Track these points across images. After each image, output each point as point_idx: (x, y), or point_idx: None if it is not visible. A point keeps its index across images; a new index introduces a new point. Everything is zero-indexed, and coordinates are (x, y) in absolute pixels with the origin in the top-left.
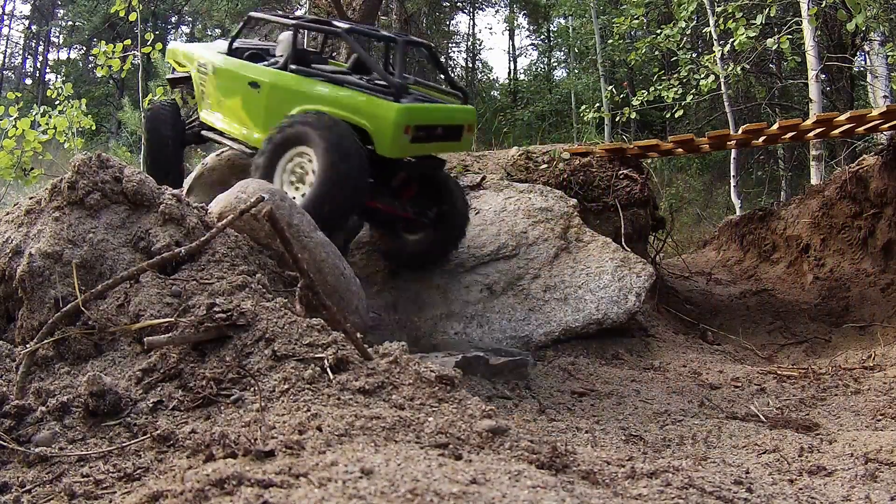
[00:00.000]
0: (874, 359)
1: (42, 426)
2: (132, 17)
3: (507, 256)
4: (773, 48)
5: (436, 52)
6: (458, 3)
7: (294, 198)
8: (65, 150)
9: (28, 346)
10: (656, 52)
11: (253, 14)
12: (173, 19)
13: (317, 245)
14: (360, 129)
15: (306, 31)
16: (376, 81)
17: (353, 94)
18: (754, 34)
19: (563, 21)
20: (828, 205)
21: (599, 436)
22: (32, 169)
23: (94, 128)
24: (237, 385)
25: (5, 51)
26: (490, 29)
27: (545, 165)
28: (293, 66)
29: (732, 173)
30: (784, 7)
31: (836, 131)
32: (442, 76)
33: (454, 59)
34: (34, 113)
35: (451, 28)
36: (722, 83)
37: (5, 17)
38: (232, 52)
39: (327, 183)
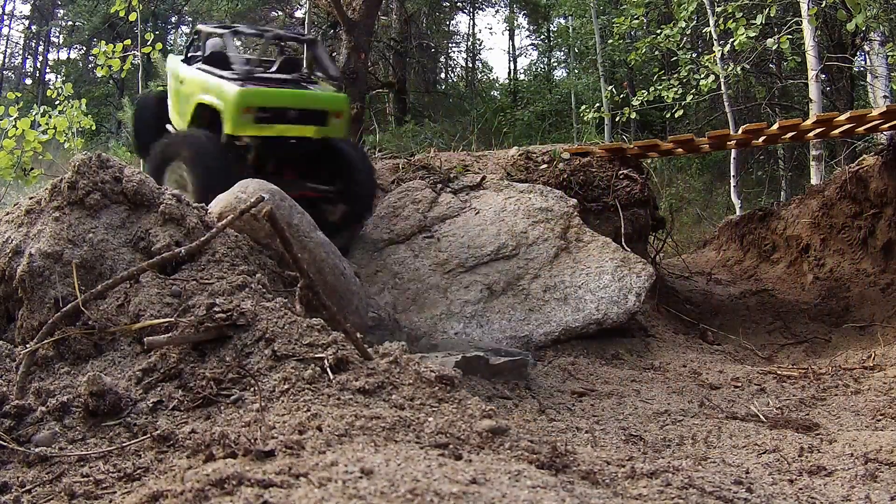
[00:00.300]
0: (874, 359)
1: (42, 426)
2: (132, 17)
3: (507, 256)
4: (773, 48)
5: (312, 45)
6: (458, 3)
7: None
8: (65, 150)
9: (28, 346)
10: (656, 52)
11: (200, 27)
12: (173, 19)
13: (317, 245)
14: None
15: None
16: (263, 74)
17: (220, 83)
18: (754, 34)
19: (563, 21)
20: (828, 205)
21: (599, 436)
22: (32, 169)
23: (94, 128)
24: (237, 385)
25: (5, 51)
26: (490, 29)
27: (545, 165)
28: (201, 66)
29: (732, 173)
30: (784, 7)
31: (836, 131)
32: (316, 66)
33: (454, 59)
34: (34, 113)
35: (451, 28)
36: (722, 83)
37: (5, 17)
38: (185, 60)
39: (199, 188)
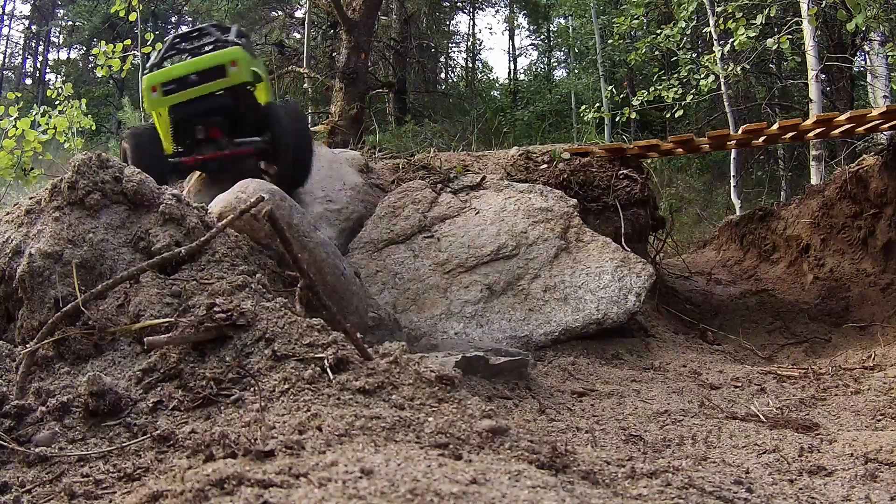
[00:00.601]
0: (874, 359)
1: (42, 426)
2: (132, 17)
3: (507, 256)
4: (773, 48)
5: (213, 28)
6: (458, 3)
7: None
8: (65, 150)
9: (28, 346)
10: (656, 52)
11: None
12: (173, 19)
13: (317, 245)
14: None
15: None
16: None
17: None
18: (754, 34)
19: (563, 21)
20: (828, 205)
21: (599, 436)
22: (32, 169)
23: (94, 128)
24: (237, 385)
25: (5, 51)
26: (490, 29)
27: (545, 165)
28: (155, 64)
29: (732, 173)
30: (784, 7)
31: (836, 131)
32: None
33: (454, 59)
34: (34, 113)
35: (451, 28)
36: (722, 83)
37: (5, 17)
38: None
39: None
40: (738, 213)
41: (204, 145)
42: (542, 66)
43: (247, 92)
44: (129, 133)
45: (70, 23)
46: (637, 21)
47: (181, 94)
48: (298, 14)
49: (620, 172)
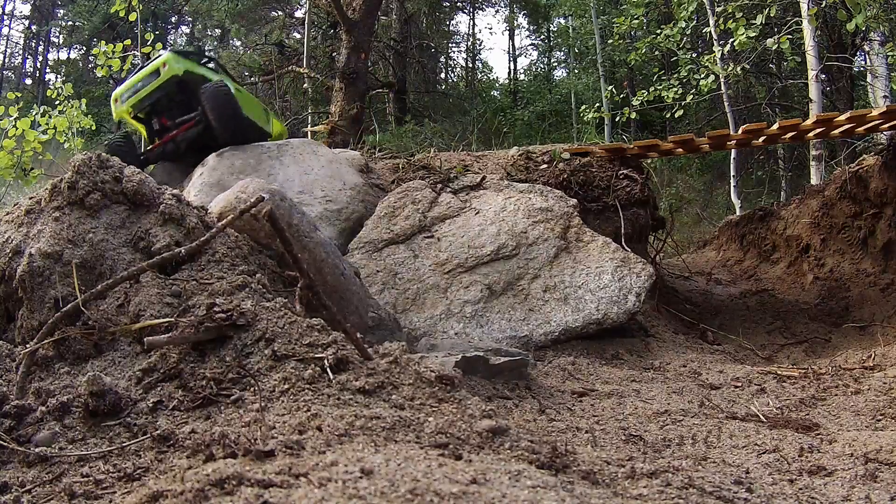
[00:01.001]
0: (874, 359)
1: (42, 426)
2: (132, 17)
3: (507, 256)
4: (773, 48)
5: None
6: (458, 3)
7: None
8: (65, 150)
9: (28, 346)
10: (656, 52)
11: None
12: (173, 19)
13: (317, 245)
14: None
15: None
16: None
17: None
18: (754, 34)
19: (563, 21)
20: (828, 205)
21: (599, 436)
22: (32, 169)
23: (94, 128)
24: (237, 385)
25: (5, 51)
26: (490, 29)
27: (545, 165)
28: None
29: (732, 173)
30: (784, 7)
31: (836, 131)
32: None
33: (454, 59)
34: (34, 113)
35: (451, 28)
36: (722, 83)
37: (5, 17)
38: None
39: None
40: (738, 213)
41: (161, 134)
42: (542, 66)
43: (183, 84)
44: (106, 144)
45: (70, 23)
46: (637, 21)
47: (134, 98)
48: (298, 14)
49: (620, 172)
